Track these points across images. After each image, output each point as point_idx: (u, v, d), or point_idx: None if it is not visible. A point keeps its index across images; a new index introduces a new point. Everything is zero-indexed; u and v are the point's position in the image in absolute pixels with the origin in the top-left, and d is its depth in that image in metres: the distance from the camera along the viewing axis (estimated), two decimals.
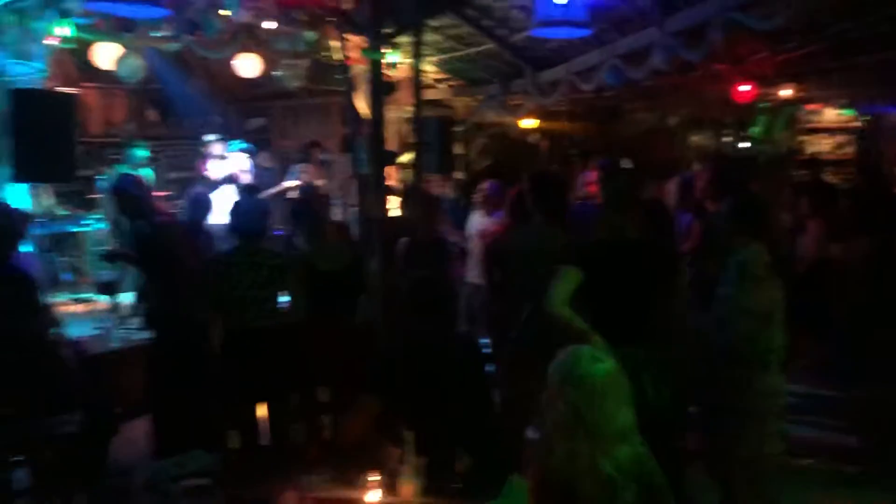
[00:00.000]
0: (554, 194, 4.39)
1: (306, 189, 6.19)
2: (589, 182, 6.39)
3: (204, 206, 5.73)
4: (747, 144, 11.36)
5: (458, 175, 10.40)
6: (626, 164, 9.96)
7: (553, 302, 3.37)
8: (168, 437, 4.57)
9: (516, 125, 10.66)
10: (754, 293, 3.46)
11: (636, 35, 6.80)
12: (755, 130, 11.26)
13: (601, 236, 3.53)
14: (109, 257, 6.29)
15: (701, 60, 6.41)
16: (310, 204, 5.44)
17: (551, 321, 3.33)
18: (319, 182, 8.70)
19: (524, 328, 4.22)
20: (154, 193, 8.64)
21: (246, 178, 8.34)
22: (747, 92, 8.25)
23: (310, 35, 8.67)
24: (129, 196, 4.75)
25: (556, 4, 5.09)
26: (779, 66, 7.85)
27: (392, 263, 5.58)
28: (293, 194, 8.43)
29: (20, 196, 6.46)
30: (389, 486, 2.65)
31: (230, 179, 8.21)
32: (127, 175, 6.25)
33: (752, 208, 3.75)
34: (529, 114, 9.97)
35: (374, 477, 2.60)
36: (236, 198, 8.11)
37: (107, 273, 6.29)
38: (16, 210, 4.78)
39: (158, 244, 4.65)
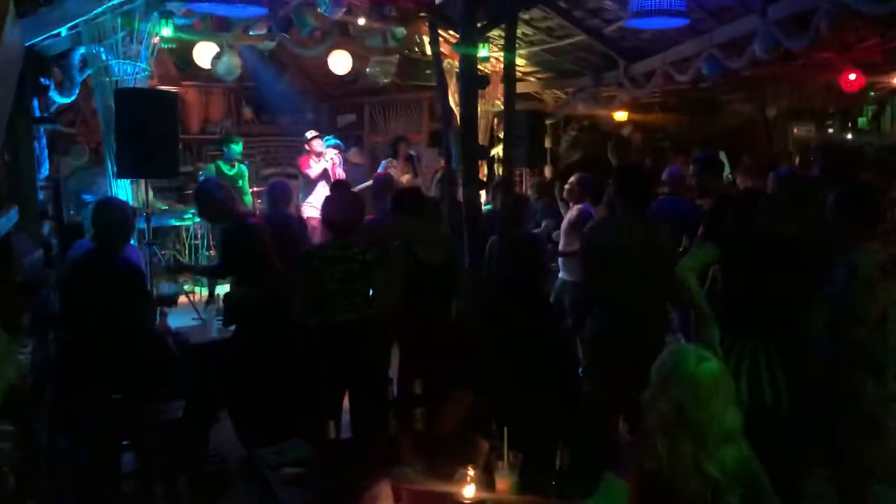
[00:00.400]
0: (637, 187, 4.29)
1: (377, 182, 6.25)
2: (677, 176, 6.20)
3: (282, 194, 5.84)
4: (853, 136, 10.85)
5: (546, 169, 10.35)
6: (721, 157, 9.72)
7: (684, 265, 3.38)
8: (265, 427, 4.67)
9: (608, 117, 10.47)
10: (867, 299, 3.27)
11: (736, 23, 6.57)
12: (863, 121, 10.74)
13: (761, 226, 3.42)
14: (174, 269, 6.44)
15: (805, 49, 6.13)
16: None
17: (677, 283, 3.36)
18: (406, 177, 8.78)
19: (600, 322, 4.16)
20: (252, 189, 8.94)
21: (338, 174, 8.47)
22: (854, 80, 7.85)
23: (400, 30, 8.75)
24: (208, 199, 4.85)
25: None
26: (889, 53, 7.44)
27: (483, 259, 5.57)
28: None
29: (123, 191, 6.74)
30: (484, 481, 2.63)
31: (324, 175, 8.36)
32: (208, 179, 6.43)
33: (861, 200, 3.50)
34: (621, 106, 9.78)
35: (469, 471, 2.59)
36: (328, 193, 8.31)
37: (167, 287, 6.50)
38: (126, 205, 4.98)
39: (241, 244, 4.75)
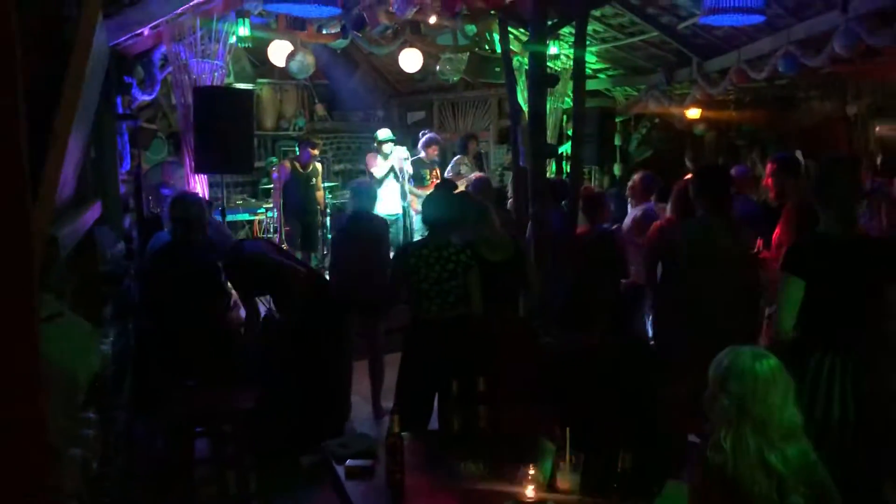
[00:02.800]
0: (718, 188, 4.23)
1: (478, 183, 6.24)
2: (744, 175, 6.06)
3: (367, 195, 5.94)
4: None
5: (616, 167, 10.25)
6: (798, 156, 9.45)
7: (783, 326, 3.13)
8: (329, 420, 4.79)
9: (680, 115, 10.29)
10: None
11: (815, 19, 6.39)
12: None
13: (821, 233, 3.23)
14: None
15: (888, 45, 5.92)
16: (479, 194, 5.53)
17: (779, 345, 3.09)
18: (474, 175, 8.79)
19: (684, 328, 4.10)
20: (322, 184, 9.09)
21: (405, 171, 8.54)
22: None
23: (470, 28, 8.78)
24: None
25: None
26: None
27: (547, 257, 5.56)
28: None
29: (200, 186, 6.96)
30: (546, 481, 2.65)
31: (393, 172, 8.45)
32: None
33: None
34: (694, 103, 9.60)
35: (531, 471, 2.61)
36: (395, 188, 8.40)
37: None
38: (202, 198, 5.14)
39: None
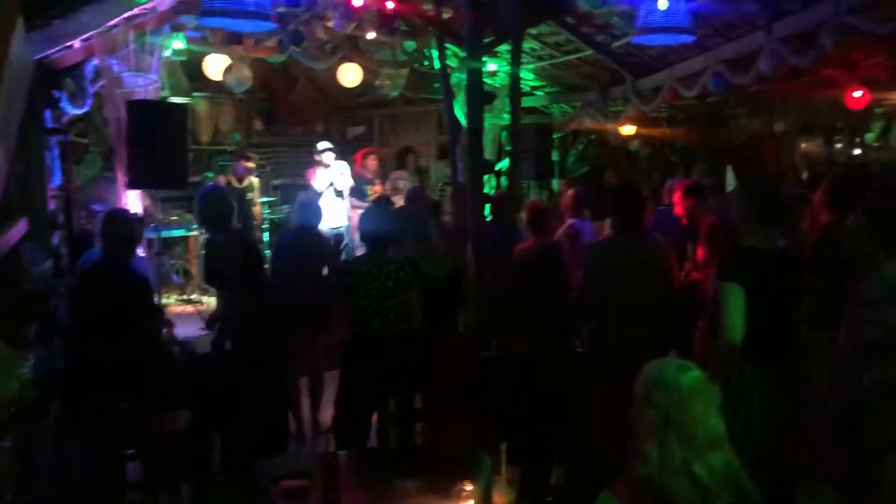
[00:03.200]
0: (629, 207, 4.27)
1: (412, 194, 6.24)
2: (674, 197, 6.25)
3: (312, 210, 5.88)
4: (861, 151, 10.85)
5: (554, 183, 10.39)
6: (729, 172, 9.74)
7: (733, 331, 3.15)
8: (266, 439, 4.71)
9: (615, 132, 10.51)
10: None
11: (742, 40, 6.61)
12: (870, 137, 10.72)
13: (751, 246, 3.31)
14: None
15: (810, 65, 6.16)
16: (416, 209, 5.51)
17: (728, 352, 3.14)
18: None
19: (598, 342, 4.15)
20: (261, 199, 9.00)
21: (346, 185, 8.51)
22: (860, 98, 7.87)
23: (409, 44, 8.82)
24: (215, 203, 4.91)
25: (658, 10, 5.00)
26: (894, 70, 7.46)
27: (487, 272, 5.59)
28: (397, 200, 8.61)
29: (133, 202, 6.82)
30: (482, 496, 2.65)
31: (332, 186, 8.41)
32: (214, 185, 6.46)
33: (885, 220, 3.39)
34: (629, 120, 9.82)
35: (468, 486, 2.61)
36: (336, 203, 8.36)
37: None
38: (133, 215, 5.04)
39: (230, 255, 4.78)
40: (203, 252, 4.99)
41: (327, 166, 8.40)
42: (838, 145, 11.05)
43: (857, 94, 7.83)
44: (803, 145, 11.19)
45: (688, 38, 5.44)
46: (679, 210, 5.66)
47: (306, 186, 8.86)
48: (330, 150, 8.53)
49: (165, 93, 8.98)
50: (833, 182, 4.95)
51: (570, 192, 6.30)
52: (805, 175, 10.62)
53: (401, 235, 4.49)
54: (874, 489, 3.29)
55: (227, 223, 4.87)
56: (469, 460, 3.00)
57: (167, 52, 7.02)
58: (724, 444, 2.31)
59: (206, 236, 5.09)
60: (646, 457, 2.26)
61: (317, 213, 5.87)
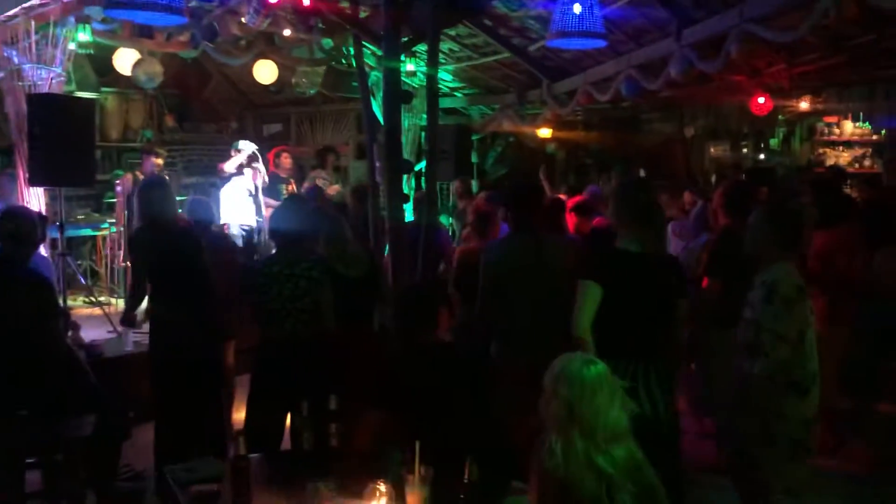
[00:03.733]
0: (526, 207, 4.28)
1: (311, 192, 6.16)
2: (597, 195, 6.38)
3: (204, 209, 5.71)
4: (765, 156, 11.32)
5: (473, 184, 10.46)
6: (640, 174, 10.00)
7: (582, 325, 3.24)
8: (176, 443, 4.58)
9: (533, 134, 10.67)
10: (787, 318, 3.30)
11: (653, 46, 6.79)
12: (774, 142, 11.20)
13: (620, 248, 3.37)
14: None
15: (718, 72, 6.38)
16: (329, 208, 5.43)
17: (575, 345, 3.19)
18: (334, 188, 8.75)
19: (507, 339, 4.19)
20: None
21: (260, 183, 8.35)
22: (763, 104, 8.21)
23: (327, 42, 8.74)
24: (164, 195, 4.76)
25: (572, 15, 5.08)
26: (795, 79, 7.81)
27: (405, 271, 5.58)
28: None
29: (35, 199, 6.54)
30: (395, 495, 2.64)
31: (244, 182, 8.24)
32: (154, 178, 6.26)
33: (787, 220, 3.55)
34: (545, 123, 9.97)
35: (381, 486, 2.59)
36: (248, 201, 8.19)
37: None
38: (35, 213, 4.82)
39: (167, 249, 4.64)
40: (138, 242, 4.76)
41: (241, 164, 8.23)
42: (745, 150, 11.49)
43: (761, 100, 8.16)
44: (712, 149, 11.61)
45: (601, 43, 5.54)
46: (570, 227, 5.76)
47: (218, 184, 8.66)
48: (245, 146, 8.34)
49: (71, 87, 8.65)
50: (729, 186, 5.15)
51: (482, 195, 6.36)
52: (714, 178, 11.01)
53: (312, 234, 4.40)
54: (752, 481, 3.45)
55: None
56: (383, 459, 2.99)
57: (72, 45, 6.75)
58: (628, 437, 2.37)
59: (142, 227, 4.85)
60: (551, 450, 2.30)
61: (209, 213, 5.70)
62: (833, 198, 5.41)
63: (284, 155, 8.83)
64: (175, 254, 4.66)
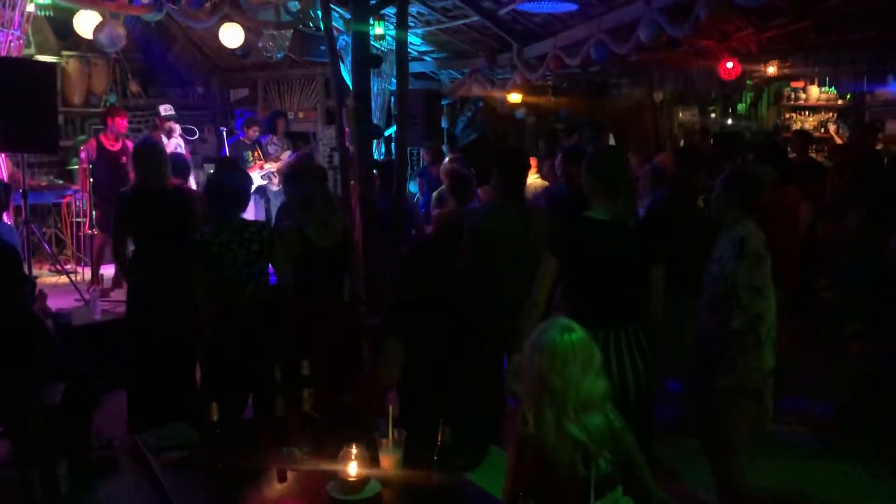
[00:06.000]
0: (512, 173, 4.31)
1: (300, 160, 6.09)
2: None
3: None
4: (732, 121, 11.42)
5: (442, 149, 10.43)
6: (610, 139, 10.04)
7: (538, 298, 3.34)
8: (148, 410, 4.57)
9: (503, 99, 10.63)
10: (757, 270, 3.38)
11: (623, 10, 6.78)
12: (741, 107, 11.29)
13: (593, 215, 3.37)
14: None
15: (687, 37, 6.40)
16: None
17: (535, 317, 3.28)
18: (285, 154, 8.62)
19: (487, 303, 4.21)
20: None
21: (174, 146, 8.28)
22: (732, 69, 8.26)
23: (293, 4, 8.59)
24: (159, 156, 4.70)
25: None
26: (763, 43, 7.85)
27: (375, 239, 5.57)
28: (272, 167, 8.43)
29: None
30: (369, 458, 2.66)
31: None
32: (148, 139, 6.12)
33: (750, 181, 3.66)
34: (515, 88, 9.94)
35: (354, 449, 2.61)
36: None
37: None
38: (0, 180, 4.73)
39: (160, 209, 4.58)
40: (125, 205, 4.69)
41: (170, 131, 8.15)
42: (713, 115, 11.57)
43: (729, 65, 8.19)
44: (680, 114, 11.67)
45: (571, 7, 5.56)
46: (560, 172, 5.75)
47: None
48: (173, 118, 8.26)
49: (31, 51, 8.44)
50: (682, 151, 5.21)
51: (449, 159, 6.35)
52: (681, 142, 11.08)
53: (246, 197, 4.35)
54: (721, 435, 3.53)
55: (163, 178, 4.64)
56: (356, 424, 3.02)
57: (31, 7, 6.57)
58: (604, 405, 2.37)
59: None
60: (524, 416, 2.32)
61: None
62: (777, 161, 5.49)
63: (252, 128, 8.70)
64: (167, 215, 4.62)
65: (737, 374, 3.40)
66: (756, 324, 3.37)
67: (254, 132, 8.64)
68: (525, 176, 4.48)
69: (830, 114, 11.05)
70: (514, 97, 10.49)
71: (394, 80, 9.26)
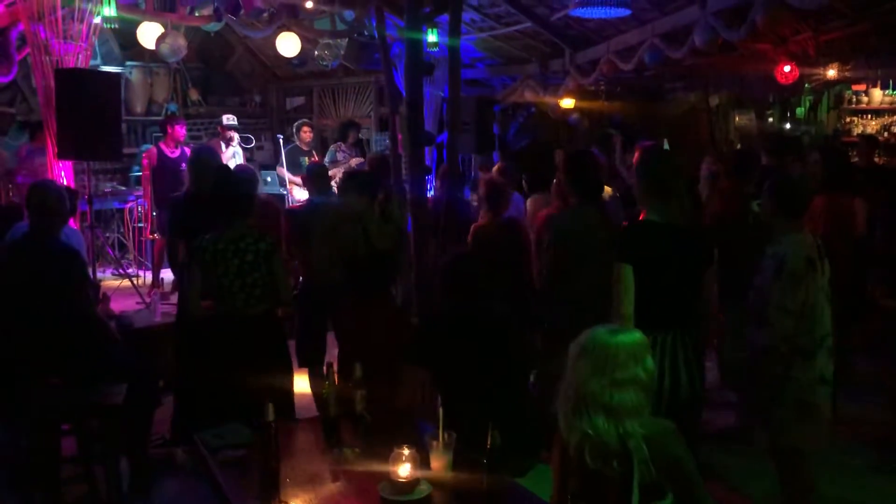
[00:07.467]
0: (588, 175, 4.27)
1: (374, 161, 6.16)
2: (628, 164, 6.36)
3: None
4: (791, 125, 11.17)
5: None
6: (664, 144, 9.92)
7: (626, 312, 3.17)
8: (205, 410, 4.67)
9: (555, 105, 10.59)
10: (794, 292, 3.33)
11: (677, 14, 6.72)
12: (800, 111, 11.04)
13: (651, 219, 3.31)
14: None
15: (743, 41, 6.30)
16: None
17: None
18: (354, 161, 8.79)
19: (557, 310, 4.21)
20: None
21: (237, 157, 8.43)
22: (789, 72, 8.10)
23: (349, 14, 8.73)
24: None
25: None
26: (822, 46, 7.69)
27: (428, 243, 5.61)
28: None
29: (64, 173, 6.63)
30: (419, 460, 2.69)
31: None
32: (206, 146, 6.27)
33: (788, 189, 3.56)
34: (568, 93, 9.90)
35: (405, 451, 2.65)
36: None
37: None
38: (65, 187, 4.90)
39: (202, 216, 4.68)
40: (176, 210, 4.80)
41: (229, 140, 8.31)
42: (770, 119, 11.35)
43: (787, 68, 8.04)
44: (737, 119, 11.47)
45: (624, 12, 5.52)
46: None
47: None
48: (235, 128, 8.42)
49: (97, 61, 8.74)
50: (736, 157, 5.13)
51: (496, 168, 6.34)
52: (738, 147, 10.88)
53: (249, 203, 4.26)
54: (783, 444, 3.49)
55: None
56: (407, 426, 3.06)
57: (98, 19, 6.80)
58: (644, 412, 2.25)
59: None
60: (570, 425, 2.25)
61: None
62: (837, 165, 5.36)
63: (305, 128, 8.86)
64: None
65: (769, 384, 3.41)
66: (784, 342, 3.36)
67: (307, 136, 8.80)
68: (601, 177, 4.41)
69: (894, 117, 10.73)
70: (567, 102, 10.44)
71: (446, 87, 9.33)
